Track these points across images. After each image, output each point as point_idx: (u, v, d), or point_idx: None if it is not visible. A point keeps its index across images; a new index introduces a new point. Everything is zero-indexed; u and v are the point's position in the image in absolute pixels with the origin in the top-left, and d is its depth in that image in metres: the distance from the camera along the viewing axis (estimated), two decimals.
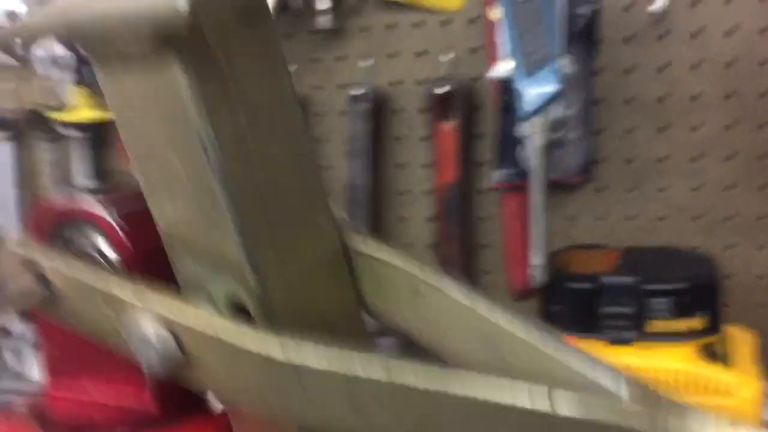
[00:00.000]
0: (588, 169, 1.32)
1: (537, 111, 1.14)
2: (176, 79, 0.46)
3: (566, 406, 0.37)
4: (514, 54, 1.13)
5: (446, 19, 1.37)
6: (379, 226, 1.44)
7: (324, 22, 1.39)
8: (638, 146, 1.31)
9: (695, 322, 1.08)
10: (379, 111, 1.41)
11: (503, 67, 1.17)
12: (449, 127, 1.36)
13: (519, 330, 0.47)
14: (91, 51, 0.50)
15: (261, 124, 0.50)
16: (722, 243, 1.29)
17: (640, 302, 1.08)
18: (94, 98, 1.49)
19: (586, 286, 1.12)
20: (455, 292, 0.50)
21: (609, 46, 1.28)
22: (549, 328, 0.48)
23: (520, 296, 1.35)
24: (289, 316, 0.50)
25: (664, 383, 1.02)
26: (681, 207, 1.30)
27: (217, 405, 0.65)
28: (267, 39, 0.51)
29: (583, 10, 1.23)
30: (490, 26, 1.28)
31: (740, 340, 1.14)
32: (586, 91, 1.27)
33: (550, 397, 0.38)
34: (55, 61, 1.46)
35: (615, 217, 1.34)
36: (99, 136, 1.54)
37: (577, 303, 1.13)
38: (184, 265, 0.51)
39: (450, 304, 0.50)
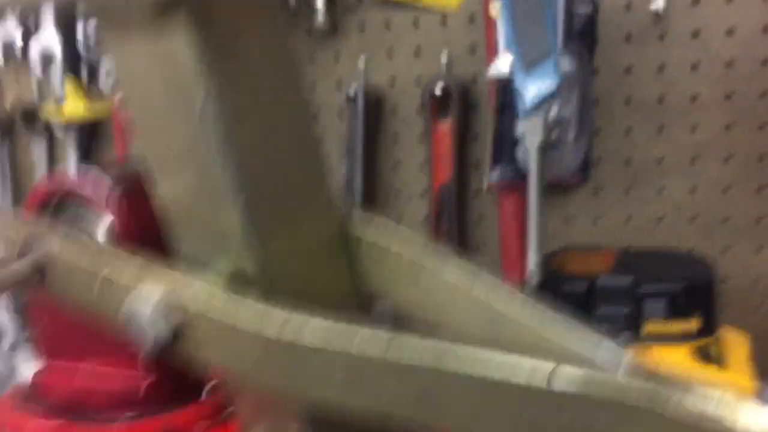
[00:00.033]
0: (585, 169, 1.31)
1: (536, 108, 1.13)
2: (180, 44, 0.45)
3: (564, 382, 0.37)
4: (513, 50, 1.12)
5: (444, 18, 1.37)
6: None
7: (320, 20, 1.38)
8: (636, 147, 1.30)
9: (690, 324, 1.07)
10: (375, 110, 1.41)
11: (502, 65, 1.17)
12: (446, 126, 1.35)
13: (518, 308, 0.47)
14: (99, 17, 0.50)
15: (264, 93, 0.50)
16: (719, 245, 1.28)
17: (636, 304, 1.08)
18: (87, 95, 1.49)
19: (581, 287, 1.11)
20: (454, 269, 0.50)
21: (608, 46, 1.28)
22: (547, 307, 0.47)
23: None
24: (289, 295, 0.49)
25: None
26: (678, 208, 1.30)
27: (209, 390, 0.64)
28: (270, 7, 0.50)
29: (583, 9, 1.22)
30: (488, 24, 1.28)
31: (735, 342, 1.13)
32: (584, 90, 1.26)
33: (547, 373, 0.37)
34: (48, 58, 1.45)
35: (612, 218, 1.33)
36: (91, 134, 1.53)
37: (572, 304, 1.12)
38: (184, 242, 0.51)
39: (448, 280, 0.50)
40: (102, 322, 0.51)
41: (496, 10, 1.20)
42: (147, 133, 0.50)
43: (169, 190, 0.50)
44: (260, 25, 0.50)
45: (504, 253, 1.35)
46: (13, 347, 1.56)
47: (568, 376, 0.37)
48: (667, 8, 1.23)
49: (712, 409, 0.35)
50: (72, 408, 0.61)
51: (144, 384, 0.60)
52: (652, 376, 0.39)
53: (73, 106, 1.47)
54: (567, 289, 1.13)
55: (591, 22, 1.24)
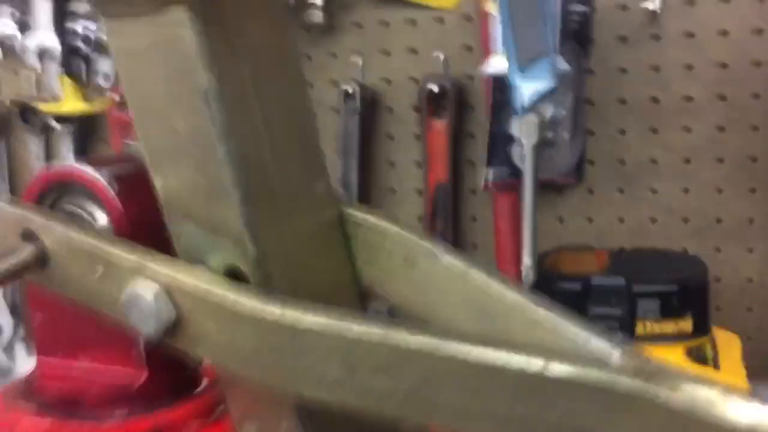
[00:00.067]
0: (579, 169, 1.31)
1: (531, 106, 1.14)
2: (183, 33, 0.45)
3: (559, 367, 0.37)
4: (509, 49, 1.13)
5: (439, 17, 1.37)
6: None
7: (316, 17, 1.38)
8: (630, 148, 1.31)
9: (683, 325, 1.08)
10: (370, 108, 1.41)
11: (498, 63, 1.17)
12: (441, 125, 1.35)
13: (512, 298, 0.47)
14: (100, 5, 0.50)
15: (265, 84, 0.50)
16: (712, 245, 1.29)
17: (629, 304, 1.08)
18: (83, 90, 1.49)
19: (575, 287, 1.11)
20: (449, 259, 0.50)
21: (602, 46, 1.28)
22: (541, 296, 0.47)
23: None
24: (286, 285, 0.49)
25: None
26: (671, 209, 1.30)
27: (203, 388, 0.64)
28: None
29: (577, 8, 1.22)
30: (484, 23, 1.28)
31: (727, 343, 1.14)
32: (578, 90, 1.27)
33: (541, 361, 0.38)
34: (43, 53, 1.45)
35: (605, 219, 1.34)
36: (88, 128, 1.53)
37: (565, 304, 1.12)
38: (182, 233, 0.51)
39: (443, 272, 0.50)
40: (101, 312, 0.51)
41: (490, 6, 1.21)
42: (146, 123, 0.50)
43: (167, 182, 0.50)
44: (264, 16, 0.50)
45: (498, 252, 1.35)
46: (11, 343, 1.56)
47: (564, 364, 0.37)
48: (661, 9, 1.24)
49: (703, 397, 0.35)
50: (65, 405, 0.61)
51: (138, 381, 0.60)
52: (645, 365, 0.39)
53: (69, 101, 1.47)
54: (560, 288, 1.13)
55: (585, 22, 1.24)
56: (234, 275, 0.48)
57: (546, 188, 1.29)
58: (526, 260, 1.19)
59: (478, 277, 0.48)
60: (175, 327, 0.47)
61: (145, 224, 0.53)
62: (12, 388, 0.65)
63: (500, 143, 1.28)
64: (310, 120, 0.53)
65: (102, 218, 0.57)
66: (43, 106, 1.48)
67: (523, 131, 1.17)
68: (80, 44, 1.44)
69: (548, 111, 1.18)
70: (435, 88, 1.33)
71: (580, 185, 1.34)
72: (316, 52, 1.43)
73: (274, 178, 0.50)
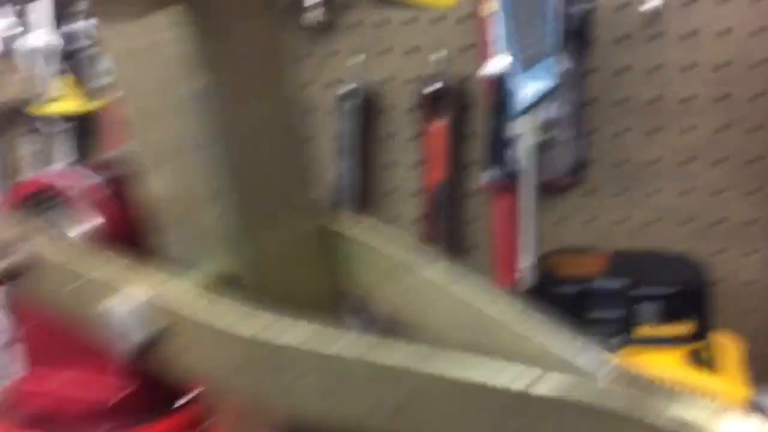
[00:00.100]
0: (578, 170, 1.30)
1: (531, 107, 1.13)
2: (175, 31, 0.45)
3: (546, 387, 0.37)
4: (510, 49, 1.12)
5: (438, 17, 1.36)
6: None
7: (314, 17, 1.37)
8: (629, 149, 1.30)
9: (684, 328, 1.07)
10: (368, 109, 1.40)
11: (497, 64, 1.16)
12: (439, 126, 1.34)
13: (499, 309, 0.46)
14: (96, 8, 0.49)
15: (253, 91, 0.49)
16: (711, 248, 1.28)
17: (628, 307, 1.07)
18: (78, 90, 1.48)
19: (574, 290, 1.11)
20: (432, 272, 0.49)
21: (601, 47, 1.27)
22: (531, 309, 0.47)
23: None
24: (273, 293, 0.49)
25: None
26: (670, 211, 1.30)
27: (186, 402, 0.63)
28: (264, 7, 0.50)
29: (577, 9, 1.22)
30: (482, 24, 1.27)
31: (727, 346, 1.13)
32: (577, 91, 1.26)
33: (529, 379, 0.37)
34: (41, 53, 1.44)
35: (604, 220, 1.33)
36: (82, 128, 1.53)
37: (565, 306, 1.11)
38: (171, 243, 0.50)
39: (426, 284, 0.49)
40: (83, 325, 0.50)
41: (490, 7, 1.20)
42: (139, 126, 0.50)
43: (157, 188, 0.50)
44: (257, 20, 0.50)
45: (497, 253, 1.34)
46: (7, 346, 1.55)
47: (550, 382, 0.37)
48: (661, 9, 1.23)
49: (693, 417, 0.34)
50: (46, 420, 0.61)
51: (121, 395, 0.59)
52: (635, 382, 0.38)
53: (65, 102, 1.47)
54: (560, 291, 1.12)
55: (585, 22, 1.23)
56: (224, 280, 0.48)
57: (545, 189, 1.28)
58: (525, 262, 1.19)
59: (463, 290, 0.47)
60: (152, 342, 0.46)
61: (126, 233, 0.53)
62: None
63: (500, 144, 1.27)
64: (298, 129, 0.53)
65: (82, 228, 0.56)
66: (41, 106, 1.48)
67: (522, 132, 1.17)
68: (79, 44, 1.44)
69: (548, 111, 1.18)
70: (433, 89, 1.33)
71: (580, 186, 1.33)
72: (316, 51, 1.43)
73: (261, 184, 0.49)
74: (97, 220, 0.55)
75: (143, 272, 0.48)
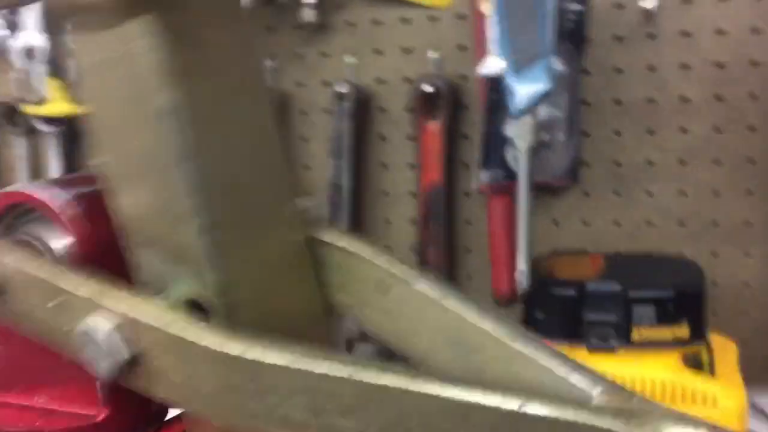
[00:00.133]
0: (575, 172, 1.30)
1: (527, 109, 1.12)
2: (145, 41, 0.44)
3: (537, 404, 0.36)
4: (505, 50, 1.11)
5: (434, 16, 1.35)
6: (361, 227, 1.41)
7: (308, 16, 1.36)
8: (626, 149, 1.29)
9: (680, 330, 1.06)
10: (363, 109, 1.39)
11: (492, 64, 1.15)
12: (435, 126, 1.34)
13: (489, 327, 0.45)
14: (62, 12, 0.48)
15: (227, 103, 0.48)
16: (708, 249, 1.27)
17: (625, 309, 1.07)
18: (70, 91, 1.47)
19: (570, 292, 1.10)
20: (422, 286, 0.48)
21: (597, 46, 1.27)
22: (520, 327, 0.46)
23: (505, 302, 1.32)
24: (251, 316, 0.48)
25: (647, 392, 1.00)
26: (668, 212, 1.29)
27: (165, 426, 0.62)
28: (239, 17, 0.49)
29: (572, 8, 1.21)
30: (479, 23, 1.26)
31: (725, 348, 1.12)
32: (573, 91, 1.25)
33: (521, 396, 0.36)
34: (30, 54, 1.43)
35: (601, 222, 1.32)
36: (74, 130, 1.52)
37: (561, 309, 1.11)
38: (143, 261, 0.49)
39: (417, 299, 0.48)
40: (56, 347, 0.49)
41: (485, 7, 1.19)
42: (106, 141, 0.48)
43: (127, 206, 0.48)
44: (228, 32, 0.48)
45: (492, 256, 1.34)
46: None
47: (543, 401, 0.36)
48: (657, 8, 1.22)
49: None
50: None
51: (97, 419, 0.58)
52: (626, 403, 0.38)
53: (57, 102, 1.45)
54: (556, 294, 1.12)
55: (581, 21, 1.23)
56: (195, 307, 0.46)
57: (541, 191, 1.27)
58: (521, 265, 1.18)
59: (454, 305, 0.46)
60: (131, 364, 0.45)
61: (105, 251, 0.51)
62: None
63: (495, 145, 1.26)
64: (276, 142, 0.51)
65: (58, 244, 0.54)
66: (30, 108, 1.47)
67: (518, 133, 1.16)
68: (69, 45, 1.42)
69: (543, 112, 1.17)
70: (429, 89, 1.32)
71: (576, 188, 1.32)
72: (308, 51, 1.42)
73: (238, 202, 0.48)
74: (78, 235, 0.54)
75: (121, 294, 0.47)
